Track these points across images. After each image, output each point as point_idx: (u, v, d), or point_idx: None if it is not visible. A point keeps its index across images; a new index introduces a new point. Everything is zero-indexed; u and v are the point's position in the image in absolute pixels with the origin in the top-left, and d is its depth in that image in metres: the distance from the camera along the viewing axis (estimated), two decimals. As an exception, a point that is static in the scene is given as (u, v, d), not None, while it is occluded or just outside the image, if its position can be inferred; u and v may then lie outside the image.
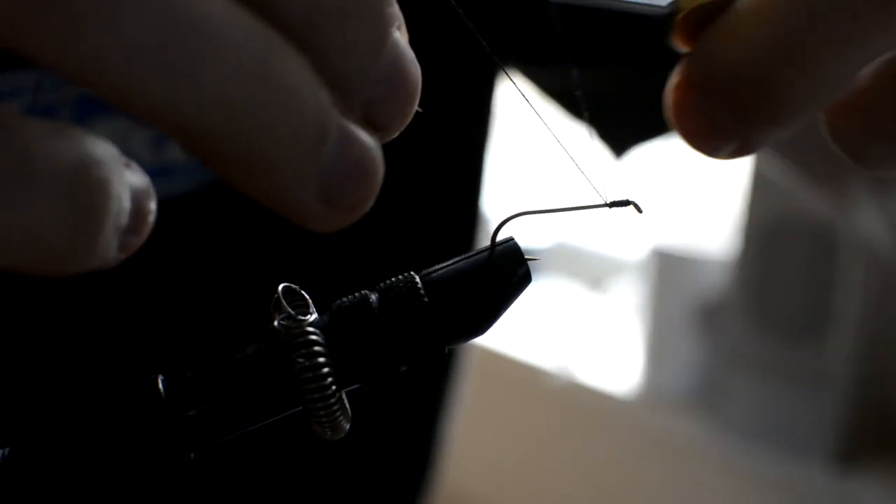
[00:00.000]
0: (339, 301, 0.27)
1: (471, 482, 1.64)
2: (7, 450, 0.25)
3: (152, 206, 0.22)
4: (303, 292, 0.27)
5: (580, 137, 0.61)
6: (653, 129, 0.60)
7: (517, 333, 1.58)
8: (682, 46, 0.25)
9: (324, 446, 0.57)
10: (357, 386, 0.27)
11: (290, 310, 0.26)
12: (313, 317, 0.26)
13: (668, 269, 1.40)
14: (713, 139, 0.25)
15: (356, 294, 0.27)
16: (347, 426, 0.26)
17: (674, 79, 0.25)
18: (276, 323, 0.26)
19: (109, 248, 0.21)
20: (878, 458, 1.27)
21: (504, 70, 0.57)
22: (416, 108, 0.24)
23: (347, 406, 0.26)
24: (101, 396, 0.26)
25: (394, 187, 0.56)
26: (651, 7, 0.26)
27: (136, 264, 0.50)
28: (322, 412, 0.26)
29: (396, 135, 0.24)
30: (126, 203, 0.21)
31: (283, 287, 0.26)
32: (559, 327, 1.61)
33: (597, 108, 0.60)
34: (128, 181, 0.21)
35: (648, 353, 1.45)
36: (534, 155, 1.61)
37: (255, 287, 0.50)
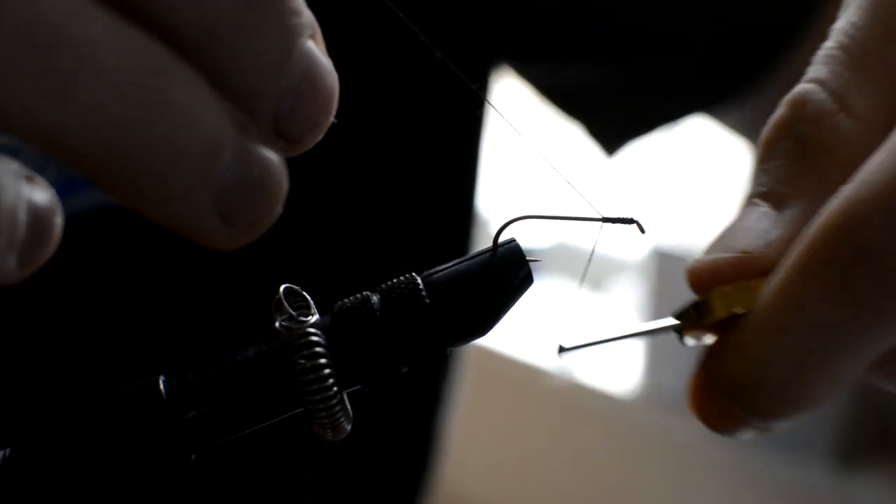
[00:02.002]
0: (340, 302, 0.27)
1: (470, 482, 1.64)
2: (8, 450, 0.25)
3: (57, 219, 0.21)
4: (304, 293, 0.27)
5: (574, 137, 0.61)
6: (643, 126, 0.60)
7: (517, 333, 1.58)
8: (698, 344, 0.28)
9: (323, 446, 0.57)
10: (358, 387, 0.27)
11: (291, 311, 0.26)
12: (315, 318, 0.26)
13: (668, 269, 1.40)
14: (732, 429, 0.26)
15: (358, 295, 0.27)
16: (348, 427, 0.26)
17: (694, 375, 0.27)
18: (277, 324, 0.26)
19: (4, 265, 0.21)
20: (878, 458, 1.27)
21: (487, 100, 0.57)
22: (331, 118, 0.23)
23: (349, 407, 0.26)
24: (102, 397, 0.26)
25: (391, 190, 0.56)
26: (661, 328, 0.28)
27: (132, 259, 0.50)
28: (323, 413, 0.26)
29: (310, 147, 0.23)
30: (22, 218, 0.21)
31: (285, 288, 0.26)
32: (559, 327, 1.60)
33: (588, 105, 0.60)
34: (25, 196, 0.21)
35: (648, 353, 1.45)
36: (531, 157, 1.61)
37: (251, 283, 0.50)
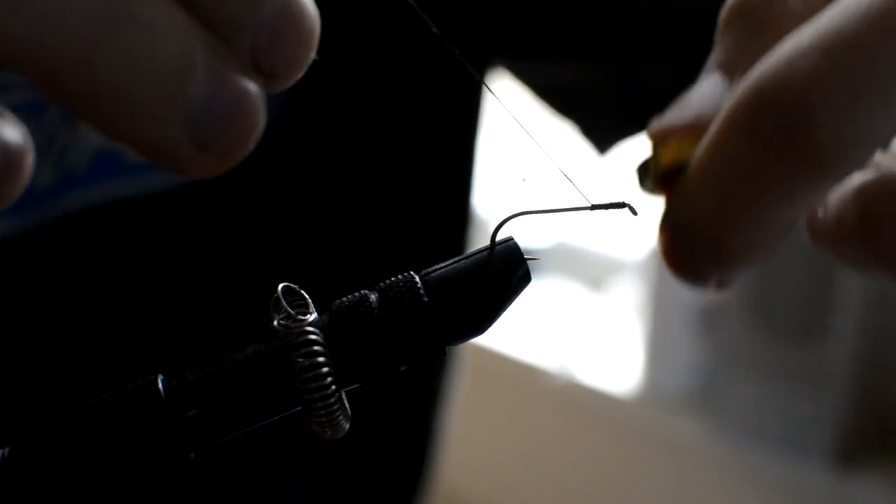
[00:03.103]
0: (338, 301, 0.27)
1: (470, 482, 1.64)
2: (7, 450, 0.25)
3: (28, 158, 0.21)
4: (302, 292, 0.27)
5: (567, 135, 0.61)
6: (637, 124, 0.60)
7: (517, 333, 1.58)
8: (657, 196, 0.29)
9: (322, 445, 0.57)
10: (357, 385, 0.27)
11: (289, 309, 0.26)
12: (313, 316, 0.26)
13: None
14: (693, 277, 0.27)
15: (356, 294, 0.27)
16: (347, 426, 0.26)
17: (657, 227, 0.28)
18: (275, 323, 0.26)
19: None
20: (878, 458, 1.27)
21: (480, 79, 0.57)
22: (311, 55, 0.23)
23: (347, 406, 0.26)
24: (101, 397, 0.26)
25: (388, 188, 0.56)
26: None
27: (130, 258, 0.50)
28: (322, 412, 0.26)
29: (291, 83, 0.23)
30: None
31: (283, 287, 0.26)
32: (559, 327, 1.61)
33: (579, 103, 0.60)
34: None
35: (648, 353, 1.45)
36: (527, 153, 1.61)
37: (250, 284, 0.50)
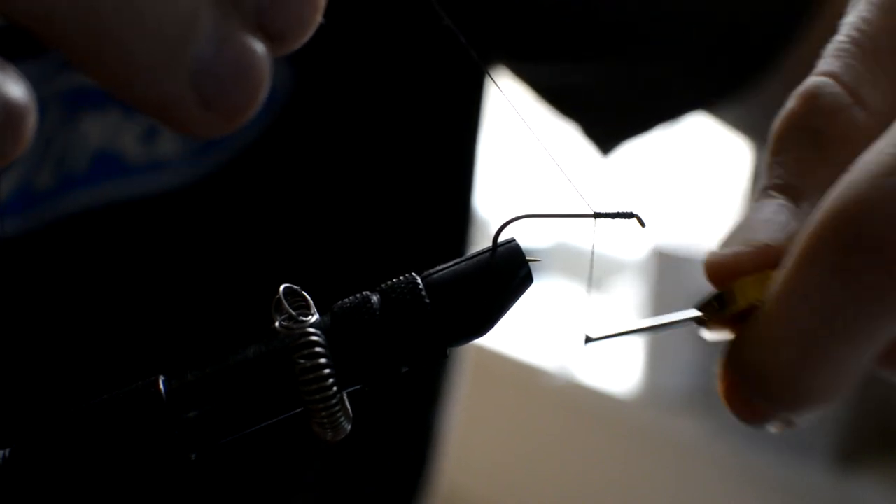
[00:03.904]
0: (340, 302, 0.27)
1: (470, 482, 1.64)
2: (7, 450, 0.25)
3: (30, 117, 0.21)
4: (304, 293, 0.26)
5: (570, 136, 0.61)
6: (640, 125, 0.59)
7: (517, 333, 1.58)
8: (719, 336, 0.28)
9: (321, 446, 0.57)
10: (358, 387, 0.27)
11: (291, 311, 0.26)
12: (314, 318, 0.26)
13: (668, 269, 1.40)
14: (757, 420, 0.26)
15: (357, 295, 0.27)
16: (348, 427, 0.26)
17: (720, 367, 0.27)
18: (277, 324, 0.26)
19: None
20: (878, 458, 1.27)
21: (490, 76, 0.56)
22: (318, 17, 0.23)
23: (348, 407, 0.26)
24: (101, 397, 0.26)
25: (390, 190, 0.56)
26: (684, 320, 0.28)
27: (130, 259, 0.50)
28: (323, 413, 0.26)
29: (297, 46, 0.23)
30: None
31: (285, 288, 0.26)
32: (559, 327, 1.61)
33: (583, 105, 0.60)
34: None
35: (648, 353, 1.45)
36: (530, 155, 1.61)
37: (250, 283, 0.50)
